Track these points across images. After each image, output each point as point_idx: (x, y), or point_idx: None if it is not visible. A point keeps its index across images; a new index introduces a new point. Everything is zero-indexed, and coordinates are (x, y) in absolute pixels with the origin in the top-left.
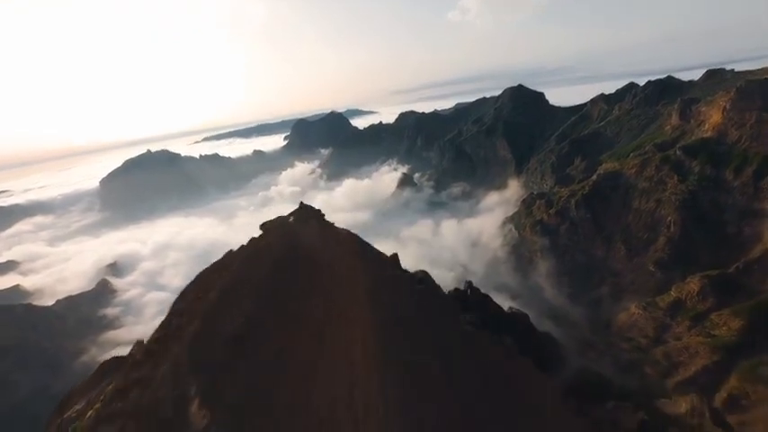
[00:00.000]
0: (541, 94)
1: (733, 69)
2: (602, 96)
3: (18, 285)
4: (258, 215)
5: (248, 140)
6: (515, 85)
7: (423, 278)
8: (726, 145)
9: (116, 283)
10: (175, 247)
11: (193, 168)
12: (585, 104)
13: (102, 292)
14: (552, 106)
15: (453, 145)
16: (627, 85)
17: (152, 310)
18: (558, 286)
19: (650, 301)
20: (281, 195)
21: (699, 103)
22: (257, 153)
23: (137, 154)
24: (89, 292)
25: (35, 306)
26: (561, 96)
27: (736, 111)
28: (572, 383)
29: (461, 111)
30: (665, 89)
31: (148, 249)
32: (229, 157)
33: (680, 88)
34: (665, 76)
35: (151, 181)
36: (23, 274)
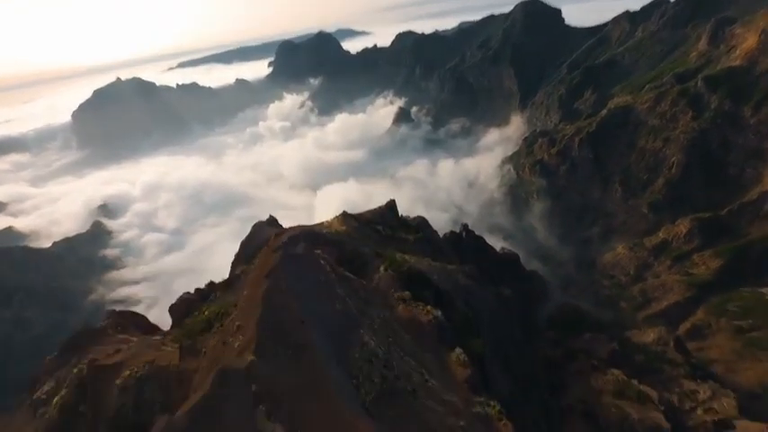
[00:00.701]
0: (558, 12)
1: None
2: (626, 15)
3: (11, 227)
4: (248, 154)
5: (229, 67)
6: None
7: (420, 224)
8: (753, 75)
9: (110, 224)
10: (166, 188)
11: (171, 99)
12: (606, 24)
13: (97, 233)
14: (568, 27)
15: (455, 74)
16: (652, 3)
17: (152, 251)
18: (549, 227)
19: (637, 242)
20: (270, 132)
21: (734, 24)
22: (240, 82)
23: (105, 83)
24: (85, 233)
25: (32, 248)
26: (581, 13)
27: None
28: (553, 317)
29: (466, 31)
30: (700, 4)
31: (138, 190)
32: (210, 87)
33: (717, 3)
34: None
35: (128, 115)
36: (13, 215)
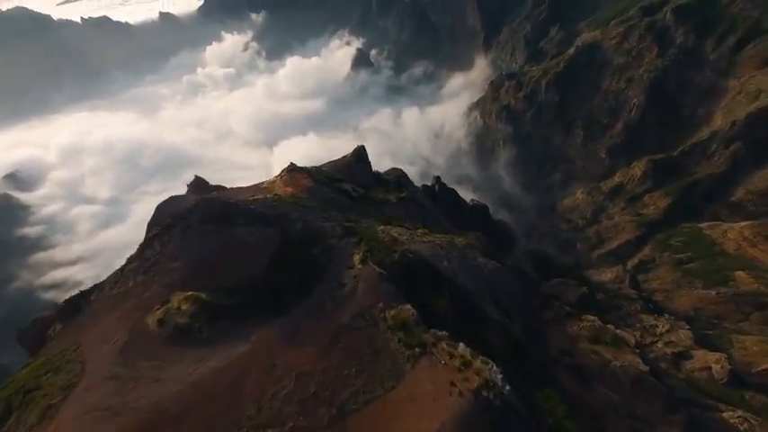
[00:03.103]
0: None
1: None
2: None
3: None
4: (189, 108)
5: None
6: None
7: (400, 179)
8: (718, 6)
9: (24, 198)
10: (90, 151)
11: (78, 40)
12: None
13: (8, 208)
14: None
15: (415, 11)
16: None
17: (86, 225)
18: (514, 175)
19: (594, 186)
20: (212, 80)
21: None
22: (166, 18)
23: None
24: None
25: None
26: None
27: None
28: (521, 264)
29: None
30: None
31: (54, 155)
32: (127, 23)
33: None
34: None
35: (21, 59)
36: None
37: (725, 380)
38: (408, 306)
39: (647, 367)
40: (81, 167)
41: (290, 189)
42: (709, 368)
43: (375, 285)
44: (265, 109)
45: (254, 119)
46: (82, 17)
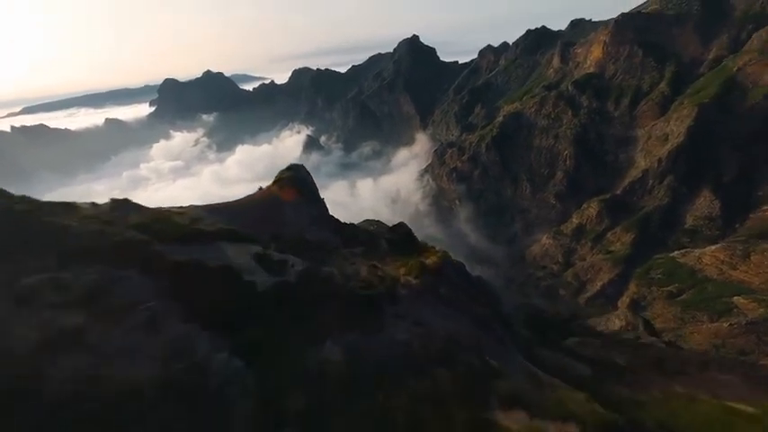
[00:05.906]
0: (433, 50)
1: (591, 19)
2: (489, 48)
3: None
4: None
5: (100, 111)
6: (409, 36)
7: (409, 232)
8: (605, 79)
9: None
10: None
11: (5, 146)
12: (474, 60)
13: None
14: (444, 62)
15: (357, 103)
16: (503, 44)
17: None
18: (477, 229)
19: (557, 230)
20: (157, 173)
21: (575, 46)
22: (112, 123)
23: None
24: None
25: None
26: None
27: (614, 45)
28: (517, 319)
29: (358, 69)
30: (542, 37)
31: None
32: (67, 129)
33: (551, 36)
34: (539, 26)
35: None
36: None
37: None
38: None
39: None
40: None
41: None
42: None
43: None
44: (213, 193)
45: (199, 202)
46: (12, 125)
